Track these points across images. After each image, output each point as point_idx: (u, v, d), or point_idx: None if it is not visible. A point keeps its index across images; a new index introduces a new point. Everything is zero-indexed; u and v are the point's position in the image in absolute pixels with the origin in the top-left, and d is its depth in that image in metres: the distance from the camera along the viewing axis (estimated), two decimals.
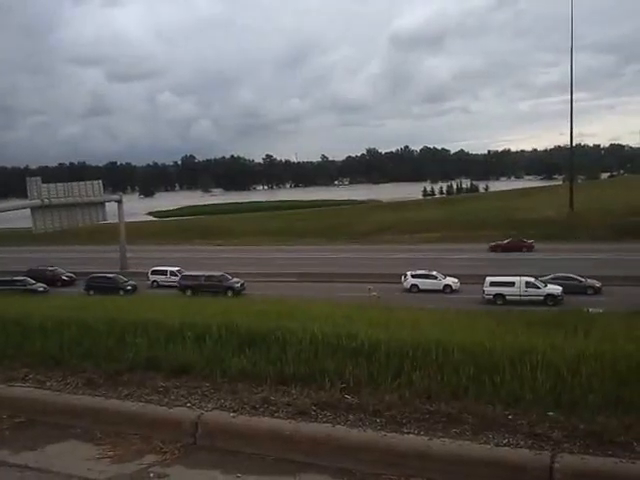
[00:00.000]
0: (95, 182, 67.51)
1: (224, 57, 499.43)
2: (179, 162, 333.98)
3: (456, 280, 51.25)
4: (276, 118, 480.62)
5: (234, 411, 5.02)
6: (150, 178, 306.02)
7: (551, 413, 4.70)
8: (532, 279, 45.57)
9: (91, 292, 50.64)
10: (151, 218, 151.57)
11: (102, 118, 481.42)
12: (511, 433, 4.45)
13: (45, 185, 60.49)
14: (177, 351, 6.09)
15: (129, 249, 69.69)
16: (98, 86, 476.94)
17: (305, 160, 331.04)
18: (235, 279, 53.08)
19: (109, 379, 5.84)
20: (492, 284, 45.59)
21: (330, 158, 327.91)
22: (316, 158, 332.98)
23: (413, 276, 51.50)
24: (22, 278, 54.51)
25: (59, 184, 63.46)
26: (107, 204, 70.08)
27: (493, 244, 70.61)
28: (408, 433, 4.51)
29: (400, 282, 50.93)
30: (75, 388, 5.76)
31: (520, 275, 45.76)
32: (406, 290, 50.10)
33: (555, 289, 45.07)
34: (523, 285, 45.01)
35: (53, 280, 57.39)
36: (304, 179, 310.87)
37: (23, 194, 61.25)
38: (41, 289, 52.66)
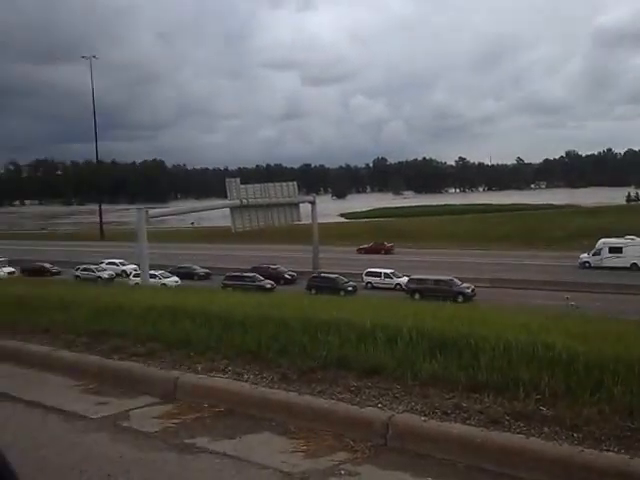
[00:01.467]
0: (290, 183, 69.28)
1: (416, 58, 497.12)
2: (370, 164, 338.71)
3: None
4: (469, 120, 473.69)
5: (425, 415, 4.99)
6: (342, 180, 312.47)
7: None
8: None
9: (312, 291, 50.37)
10: (343, 219, 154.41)
11: (296, 121, 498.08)
12: None
13: (243, 186, 62.41)
14: (368, 351, 6.12)
15: (321, 249, 71.44)
16: (292, 90, 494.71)
17: (499, 163, 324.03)
18: (465, 284, 51.29)
19: (303, 375, 5.99)
20: None
21: (526, 161, 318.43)
22: (511, 161, 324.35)
23: None
24: (251, 274, 57.17)
25: (256, 185, 65.79)
26: (301, 205, 72.24)
27: (360, 247, 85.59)
28: (607, 450, 4.27)
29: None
30: (270, 382, 5.97)
31: None
32: None
33: None
34: None
35: (276, 278, 59.09)
36: (498, 182, 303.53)
37: (223, 194, 64.31)
38: (268, 286, 54.37)
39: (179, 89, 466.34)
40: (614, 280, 53.08)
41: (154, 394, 6.35)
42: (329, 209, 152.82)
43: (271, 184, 67.71)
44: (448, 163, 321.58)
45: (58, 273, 66.72)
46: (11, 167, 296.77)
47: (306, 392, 5.65)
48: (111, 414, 5.89)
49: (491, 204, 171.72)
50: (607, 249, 64.60)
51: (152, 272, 57.44)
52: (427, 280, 51.01)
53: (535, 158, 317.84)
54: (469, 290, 49.88)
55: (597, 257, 64.92)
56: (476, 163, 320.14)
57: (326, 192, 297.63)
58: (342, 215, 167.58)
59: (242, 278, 55.20)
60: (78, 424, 5.69)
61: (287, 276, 60.96)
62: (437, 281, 50.76)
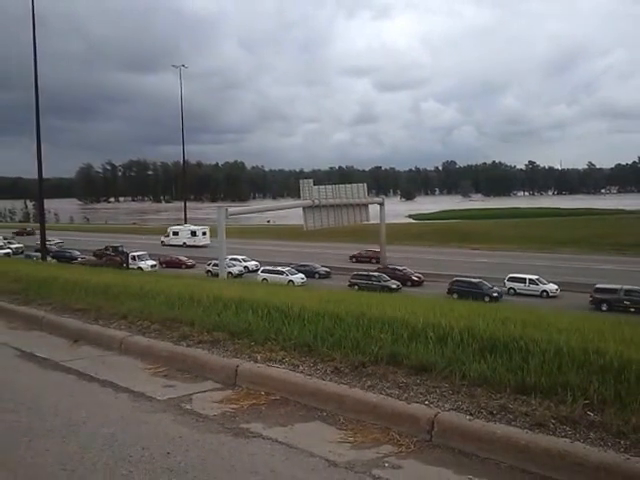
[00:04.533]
0: (360, 185, 71.79)
1: (489, 64, 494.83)
2: (440, 167, 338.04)
3: None
4: (540, 125, 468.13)
5: (471, 414, 5.05)
6: (411, 182, 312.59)
7: None
8: None
9: (454, 296, 47.73)
10: (411, 220, 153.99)
11: (369, 125, 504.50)
12: None
13: (316, 187, 65.32)
14: (419, 350, 6.24)
15: (388, 249, 72.27)
16: (366, 95, 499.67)
17: (570, 167, 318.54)
18: None
19: (354, 370, 6.15)
20: None
21: (597, 165, 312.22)
22: (582, 165, 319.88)
23: None
24: (377, 274, 57.96)
25: (328, 186, 68.63)
26: (370, 206, 73.44)
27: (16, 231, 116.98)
28: None
29: None
30: (324, 374, 6.15)
31: None
32: None
33: None
34: None
35: (403, 279, 59.23)
36: (568, 187, 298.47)
37: (298, 194, 65.79)
38: (394, 286, 55.06)
39: (260, 95, 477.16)
40: None
41: (216, 380, 6.70)
42: (397, 210, 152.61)
43: (342, 185, 70.49)
44: (517, 167, 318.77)
45: (193, 266, 70.19)
46: (108, 167, 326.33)
47: (357, 385, 5.81)
48: (176, 397, 6.24)
49: (560, 208, 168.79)
50: (171, 232, 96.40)
51: (279, 268, 60.21)
52: (617, 290, 47.03)
53: (606, 163, 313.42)
54: None
55: (167, 238, 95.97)
56: (546, 167, 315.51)
57: (395, 194, 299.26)
58: (411, 216, 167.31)
59: (368, 277, 56.29)
60: (145, 404, 6.06)
61: (414, 278, 60.65)
62: (628, 291, 46.76)
